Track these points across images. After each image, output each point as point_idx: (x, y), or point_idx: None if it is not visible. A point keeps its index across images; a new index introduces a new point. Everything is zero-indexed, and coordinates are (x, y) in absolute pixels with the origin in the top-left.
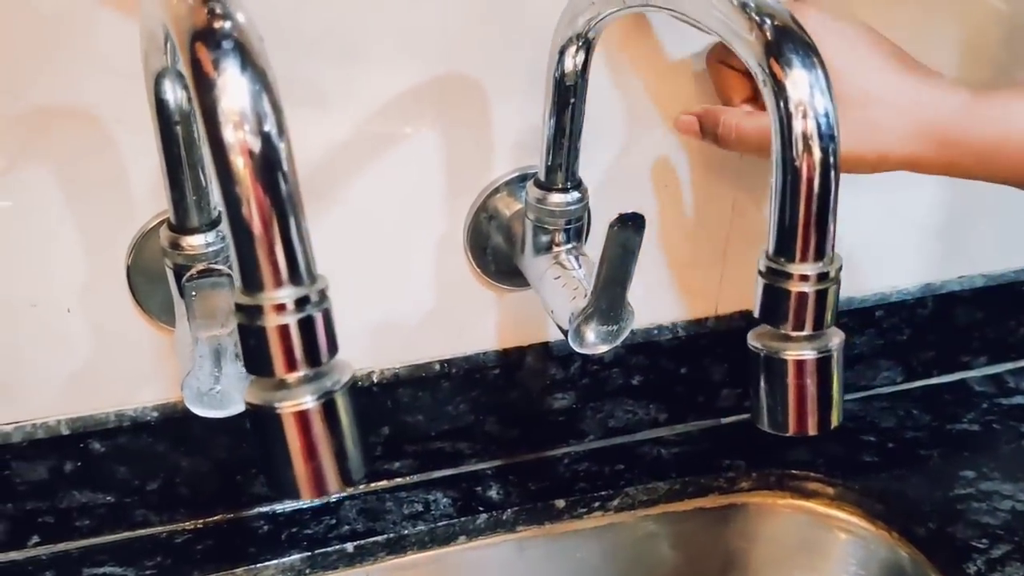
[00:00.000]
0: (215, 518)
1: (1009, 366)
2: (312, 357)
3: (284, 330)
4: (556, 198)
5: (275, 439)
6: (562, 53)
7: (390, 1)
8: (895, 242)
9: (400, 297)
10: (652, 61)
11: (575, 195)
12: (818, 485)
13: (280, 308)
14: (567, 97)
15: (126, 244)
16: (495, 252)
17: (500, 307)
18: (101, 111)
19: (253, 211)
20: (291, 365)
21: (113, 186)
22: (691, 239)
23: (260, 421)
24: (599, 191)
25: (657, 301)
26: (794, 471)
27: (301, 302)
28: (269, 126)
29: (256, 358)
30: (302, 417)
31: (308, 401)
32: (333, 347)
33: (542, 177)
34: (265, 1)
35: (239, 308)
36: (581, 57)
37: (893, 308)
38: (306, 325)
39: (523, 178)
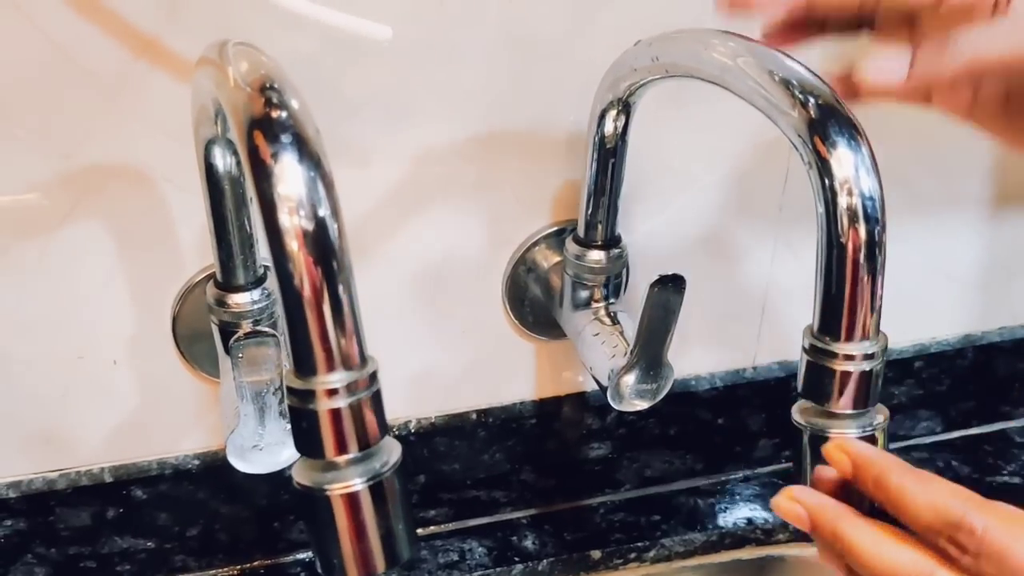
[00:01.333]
0: (253, 564)
1: None
2: (362, 440)
3: (335, 414)
4: (595, 255)
5: (324, 520)
6: (602, 116)
7: (433, 63)
8: (935, 293)
9: (438, 347)
10: (690, 117)
11: (614, 252)
12: None
13: (332, 392)
14: (607, 158)
15: (172, 297)
16: (533, 304)
17: (537, 357)
18: (152, 171)
19: (307, 295)
20: (341, 448)
21: (161, 242)
22: (730, 292)
23: (309, 502)
24: (638, 245)
25: (695, 352)
26: None
27: (352, 387)
28: (323, 211)
29: (307, 440)
30: (351, 499)
31: (357, 483)
32: (383, 429)
33: (581, 233)
34: (312, 66)
35: (291, 391)
36: (622, 121)
37: (933, 358)
38: (357, 409)
39: (561, 232)
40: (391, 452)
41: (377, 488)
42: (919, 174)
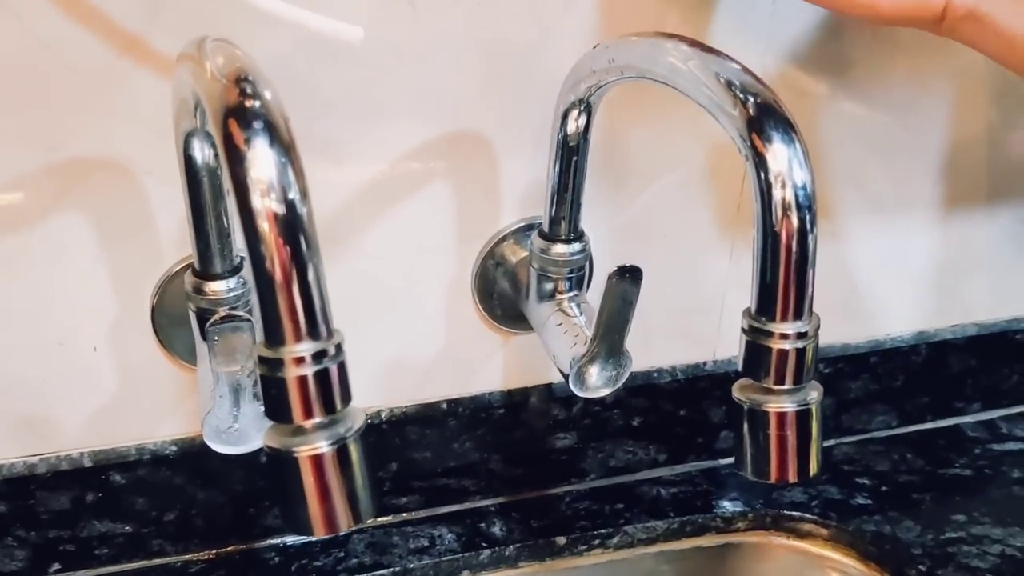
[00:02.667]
0: (228, 549)
1: (1002, 412)
2: (327, 406)
3: (303, 381)
4: (559, 248)
5: (292, 480)
6: (565, 116)
7: (406, 64)
8: (890, 291)
9: (410, 339)
10: (652, 119)
11: (577, 246)
12: (812, 526)
13: (299, 361)
14: (570, 156)
15: (151, 287)
16: (501, 297)
17: (505, 350)
18: (134, 164)
19: (277, 272)
20: (308, 413)
21: (141, 233)
22: (691, 286)
23: (278, 463)
24: (602, 241)
25: (657, 345)
26: (789, 512)
27: (318, 355)
28: (293, 194)
29: (276, 406)
30: (317, 461)
31: (323, 446)
32: (347, 396)
33: (546, 228)
34: (286, 66)
35: (262, 360)
36: (583, 120)
37: (888, 354)
38: (323, 377)
39: (529, 227)
40: (355, 419)
41: (342, 451)
42: (874, 177)
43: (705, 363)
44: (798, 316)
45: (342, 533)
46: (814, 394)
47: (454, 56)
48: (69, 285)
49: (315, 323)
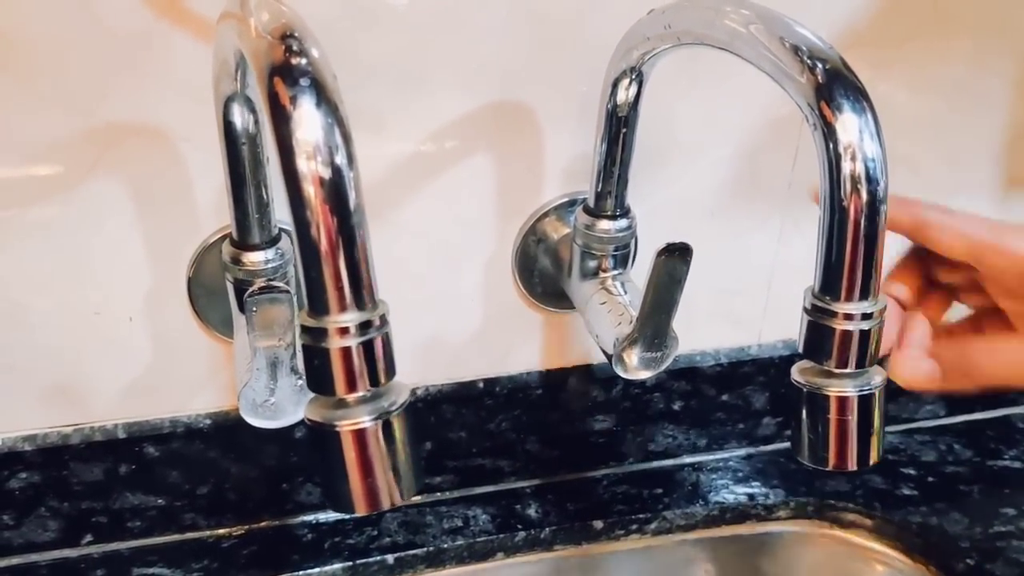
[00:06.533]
0: (261, 524)
1: None
2: (371, 378)
3: (346, 352)
4: (605, 224)
5: (333, 455)
6: (615, 85)
7: (448, 32)
8: None
9: (448, 316)
10: (700, 92)
11: (623, 222)
12: (856, 516)
13: (343, 331)
14: (619, 128)
15: (188, 257)
16: (542, 275)
17: (545, 329)
18: (170, 130)
19: (322, 238)
20: (351, 385)
21: (178, 201)
22: (736, 268)
23: (319, 437)
24: (647, 219)
25: (701, 327)
26: (833, 501)
27: (363, 326)
28: (340, 158)
29: (318, 377)
30: (359, 435)
31: (366, 420)
32: (391, 369)
33: (591, 204)
34: (328, 30)
35: (305, 329)
36: (634, 90)
37: None
38: (367, 348)
39: (572, 203)
40: (399, 393)
41: (385, 426)
42: (928, 161)
43: (749, 347)
44: (864, 296)
45: (384, 511)
46: (878, 379)
47: (499, 25)
48: (105, 254)
49: (360, 293)
